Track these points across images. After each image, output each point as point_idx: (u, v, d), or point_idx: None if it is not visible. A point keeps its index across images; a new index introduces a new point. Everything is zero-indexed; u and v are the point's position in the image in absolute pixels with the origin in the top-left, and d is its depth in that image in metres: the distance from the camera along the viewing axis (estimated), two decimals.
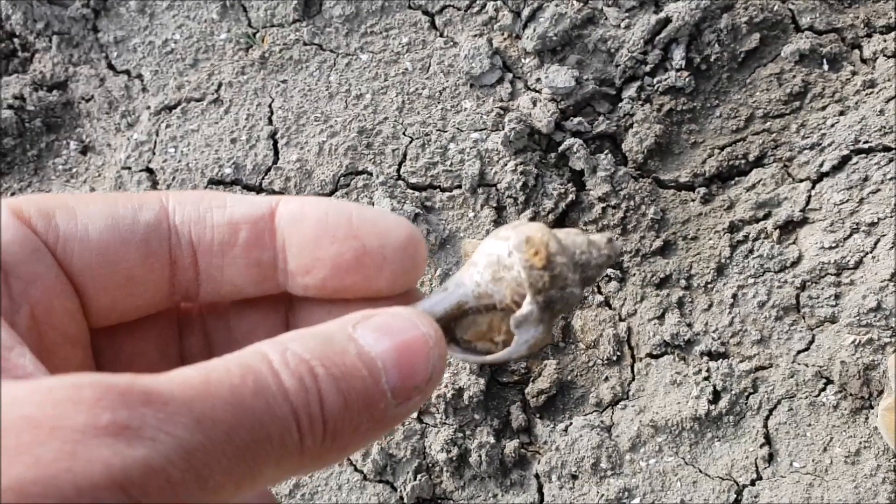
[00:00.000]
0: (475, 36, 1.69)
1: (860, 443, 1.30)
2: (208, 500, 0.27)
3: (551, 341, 0.38)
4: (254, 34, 1.78)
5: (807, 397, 1.35)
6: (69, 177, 1.80)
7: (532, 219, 1.53)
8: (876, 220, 1.41)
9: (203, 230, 0.38)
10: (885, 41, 1.56)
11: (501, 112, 1.61)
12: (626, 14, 1.63)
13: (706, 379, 1.39)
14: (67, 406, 0.25)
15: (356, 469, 1.41)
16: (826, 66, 1.58)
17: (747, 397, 1.37)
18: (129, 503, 0.25)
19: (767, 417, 1.36)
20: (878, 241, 1.40)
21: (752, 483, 1.32)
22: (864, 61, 1.57)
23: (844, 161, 1.49)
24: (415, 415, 1.43)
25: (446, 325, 0.41)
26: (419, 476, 1.39)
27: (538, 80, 1.63)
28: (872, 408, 1.31)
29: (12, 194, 1.80)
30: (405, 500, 1.38)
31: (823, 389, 1.35)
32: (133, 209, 0.37)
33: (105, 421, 0.25)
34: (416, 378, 0.34)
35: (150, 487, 0.25)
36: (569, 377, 1.48)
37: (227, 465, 0.27)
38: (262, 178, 1.63)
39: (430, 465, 1.41)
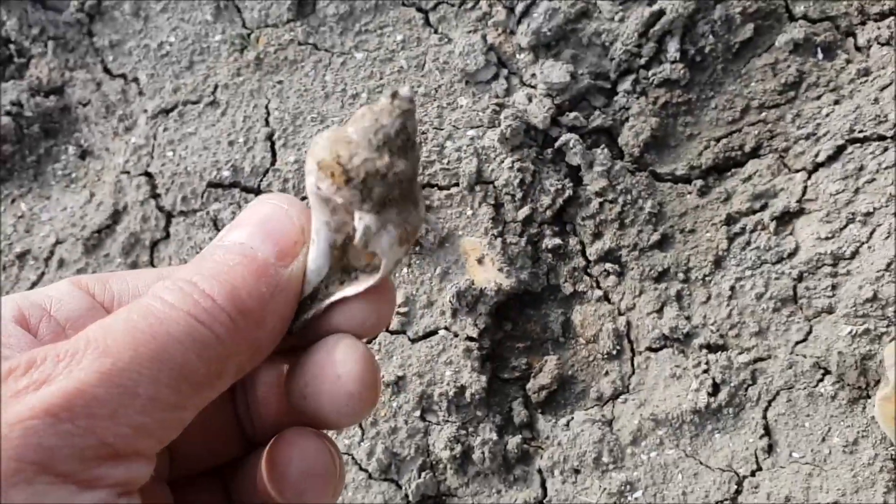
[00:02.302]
0: (469, 32, 1.69)
1: (858, 432, 1.31)
2: (156, 407, 0.32)
3: (422, 220, 0.37)
4: (248, 35, 1.78)
5: (805, 388, 1.37)
6: (69, 182, 1.80)
7: (527, 214, 1.54)
8: (872, 210, 1.42)
9: None
10: (878, 28, 1.55)
11: (497, 108, 1.62)
12: (620, 7, 1.63)
13: (705, 371, 1.40)
14: None
15: (361, 468, 1.43)
16: (821, 55, 1.58)
17: (746, 389, 1.39)
18: (62, 422, 0.30)
19: (766, 409, 1.37)
20: (873, 230, 1.41)
21: (753, 474, 1.34)
22: (858, 49, 1.57)
23: (840, 151, 1.49)
24: (418, 413, 1.44)
25: (343, 266, 0.41)
26: (423, 474, 1.41)
27: (533, 75, 1.63)
28: (870, 398, 1.32)
29: (13, 201, 1.81)
30: (410, 499, 1.40)
31: (821, 380, 1.36)
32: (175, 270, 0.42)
33: (24, 384, 0.30)
34: (288, 238, 0.39)
35: (76, 407, 0.30)
36: (569, 372, 1.49)
37: (149, 373, 0.32)
38: (261, 180, 1.64)
39: (434, 462, 1.42)
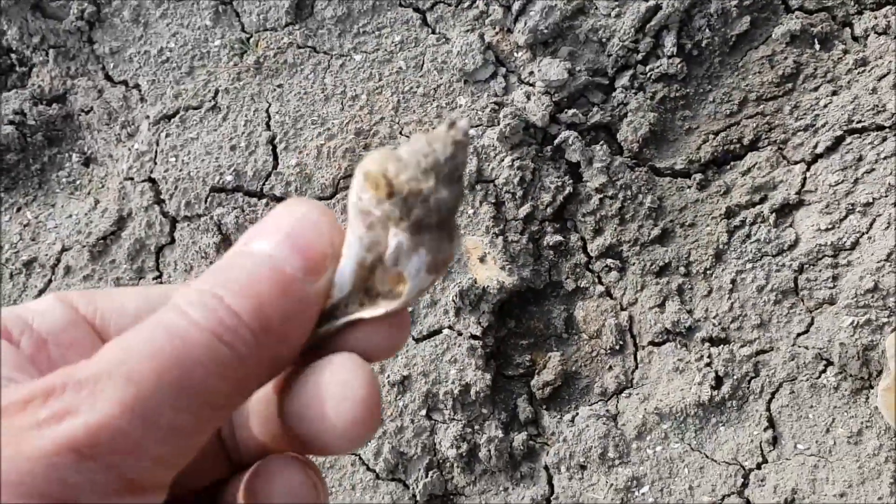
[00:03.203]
0: (467, 31, 1.70)
1: (862, 423, 1.32)
2: (177, 436, 0.31)
3: (454, 254, 0.36)
4: (247, 39, 1.79)
5: (808, 379, 1.37)
6: (73, 189, 1.82)
7: (528, 212, 1.55)
8: (871, 201, 1.42)
9: None
10: (875, 18, 1.56)
11: (496, 107, 1.62)
12: (616, 3, 1.64)
13: (708, 365, 1.41)
14: (11, 412, 0.30)
15: (368, 468, 1.45)
16: (818, 46, 1.58)
17: (749, 382, 1.39)
18: (85, 460, 0.29)
19: (770, 401, 1.38)
20: (873, 221, 1.41)
21: (758, 466, 1.35)
22: (855, 39, 1.58)
23: (838, 142, 1.49)
24: (423, 412, 1.46)
25: (367, 287, 0.40)
26: (430, 473, 1.42)
27: (531, 73, 1.64)
28: (872, 388, 1.33)
29: (18, 210, 1.82)
30: (418, 498, 1.41)
31: (824, 371, 1.37)
32: (164, 292, 0.42)
33: (43, 416, 0.29)
34: (316, 251, 0.37)
35: (100, 442, 0.29)
36: (573, 368, 1.50)
37: (171, 401, 0.31)
38: (263, 184, 1.65)
39: (441, 461, 1.44)
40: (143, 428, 0.30)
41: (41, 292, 1.73)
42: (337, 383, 0.36)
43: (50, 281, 1.73)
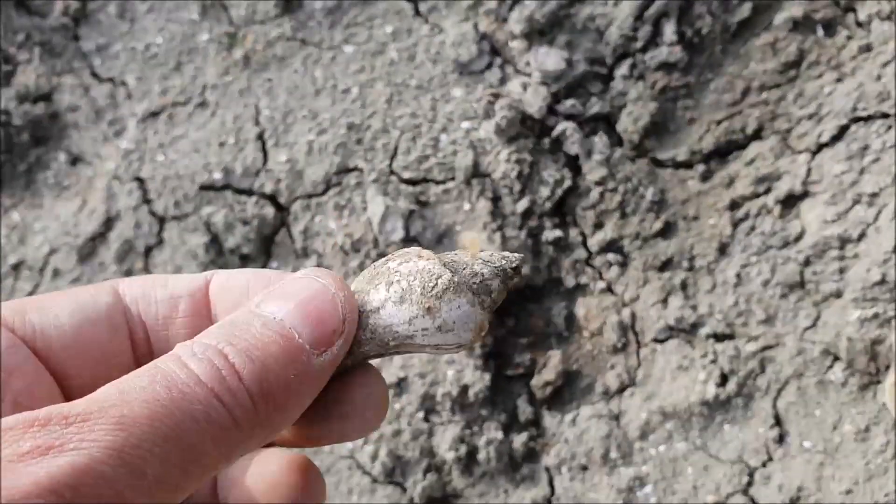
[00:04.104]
0: (461, 21, 1.65)
1: (870, 419, 1.29)
2: (161, 490, 0.30)
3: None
4: (235, 33, 1.74)
5: (815, 376, 1.34)
6: (60, 189, 1.78)
7: (527, 207, 1.51)
8: (877, 191, 1.39)
9: (148, 306, 0.42)
10: (879, 3, 1.51)
11: (492, 99, 1.58)
12: None
13: (713, 362, 1.38)
14: None
15: (365, 472, 1.41)
16: (821, 32, 1.54)
17: (755, 378, 1.36)
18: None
19: (776, 398, 1.35)
20: (880, 211, 1.38)
21: (764, 465, 1.32)
22: (859, 25, 1.53)
23: (843, 130, 1.45)
24: (421, 414, 1.42)
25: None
26: (429, 476, 1.39)
27: (528, 63, 1.60)
28: (880, 383, 1.29)
29: (5, 211, 1.78)
30: (416, 501, 1.38)
31: (831, 367, 1.34)
32: (92, 295, 0.41)
33: (27, 447, 0.28)
34: (328, 325, 0.37)
35: (83, 486, 0.28)
36: (574, 367, 1.46)
37: (160, 452, 0.30)
38: (253, 182, 1.61)
39: (439, 464, 1.40)
40: (129, 477, 0.29)
41: (29, 295, 1.70)
42: (367, 386, 0.41)
43: (38, 284, 1.70)
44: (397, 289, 0.41)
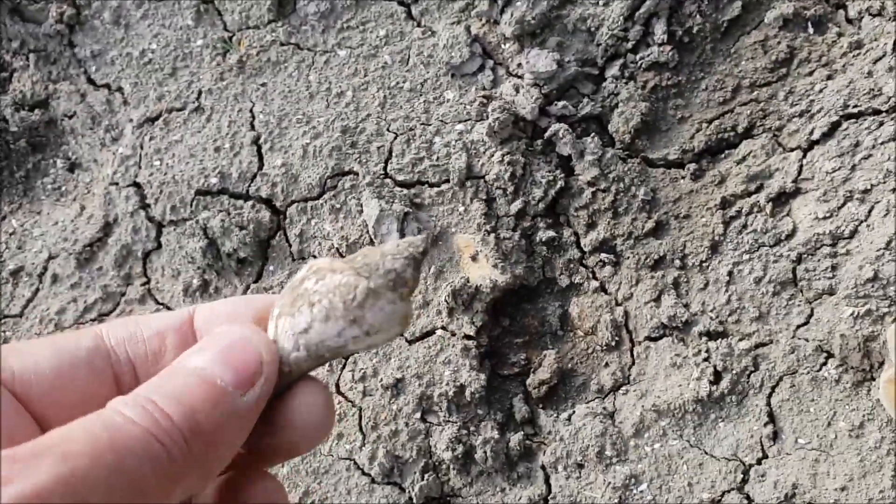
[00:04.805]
0: (453, 24, 1.66)
1: (863, 416, 1.29)
2: None
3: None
4: (230, 38, 1.75)
5: (808, 372, 1.35)
6: (59, 196, 1.79)
7: (520, 208, 1.52)
8: (869, 187, 1.39)
9: (136, 345, 0.44)
10: None
11: (485, 101, 1.59)
12: None
13: (706, 360, 1.38)
14: None
15: (364, 473, 1.42)
16: (811, 30, 1.54)
17: (749, 376, 1.37)
18: None
19: (770, 395, 1.36)
20: (871, 208, 1.38)
21: (759, 462, 1.32)
22: (849, 21, 1.54)
23: (834, 127, 1.46)
24: (418, 414, 1.43)
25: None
26: (426, 476, 1.40)
27: (519, 65, 1.61)
28: (874, 380, 1.30)
29: (3, 218, 1.79)
30: (414, 501, 1.39)
31: (824, 364, 1.34)
32: (74, 339, 0.43)
33: None
34: (248, 369, 0.41)
35: None
36: (569, 365, 1.47)
37: (105, 483, 0.33)
38: (249, 186, 1.62)
39: (437, 463, 1.41)
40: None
41: (28, 301, 1.71)
42: (307, 399, 0.43)
43: (37, 290, 1.71)
44: (320, 308, 0.43)
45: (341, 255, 1.55)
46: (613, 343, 1.45)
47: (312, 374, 0.46)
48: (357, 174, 1.59)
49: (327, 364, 1.50)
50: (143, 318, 0.46)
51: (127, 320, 0.45)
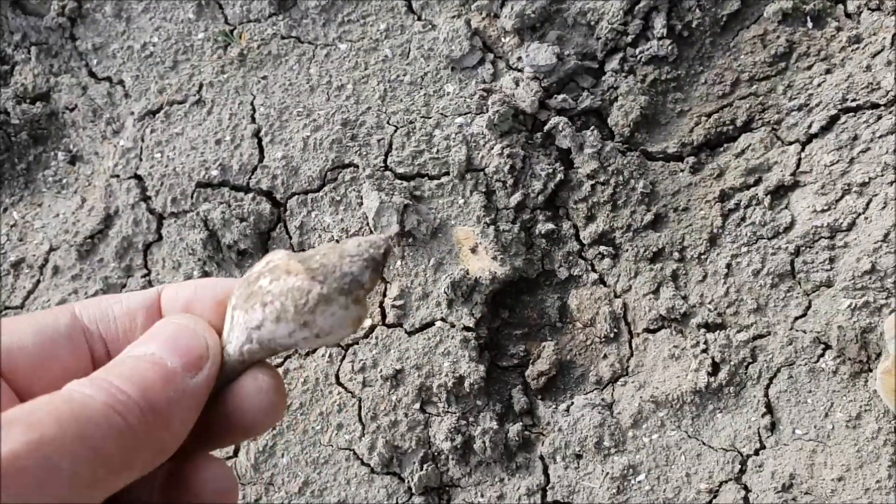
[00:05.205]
0: (453, 17, 1.67)
1: (861, 407, 1.30)
2: (75, 485, 0.34)
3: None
4: (231, 31, 1.76)
5: (806, 364, 1.35)
6: (60, 188, 1.80)
7: (519, 200, 1.52)
8: (867, 180, 1.40)
9: (108, 323, 0.47)
10: None
11: (485, 94, 1.60)
12: None
13: (704, 351, 1.39)
14: None
15: (363, 463, 1.43)
16: (810, 24, 1.55)
17: (746, 367, 1.37)
18: None
19: (768, 386, 1.36)
20: (870, 201, 1.39)
21: (756, 452, 1.33)
22: (848, 16, 1.55)
23: (833, 121, 1.47)
24: (417, 405, 1.44)
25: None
26: (426, 466, 1.40)
27: (519, 58, 1.61)
28: (871, 371, 1.31)
29: (4, 210, 1.80)
30: (413, 491, 1.39)
31: (822, 355, 1.35)
32: (52, 316, 0.45)
33: None
34: (194, 352, 0.43)
35: (8, 477, 0.32)
36: (568, 357, 1.48)
37: (71, 450, 0.34)
38: (249, 178, 1.63)
39: (436, 454, 1.42)
40: (46, 469, 0.33)
41: (29, 293, 1.71)
42: (258, 384, 0.46)
43: (38, 281, 1.71)
44: (272, 309, 0.44)
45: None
46: (612, 335, 1.46)
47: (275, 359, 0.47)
48: (357, 167, 1.59)
49: (326, 355, 1.51)
50: (114, 297, 0.47)
51: (99, 299, 0.47)
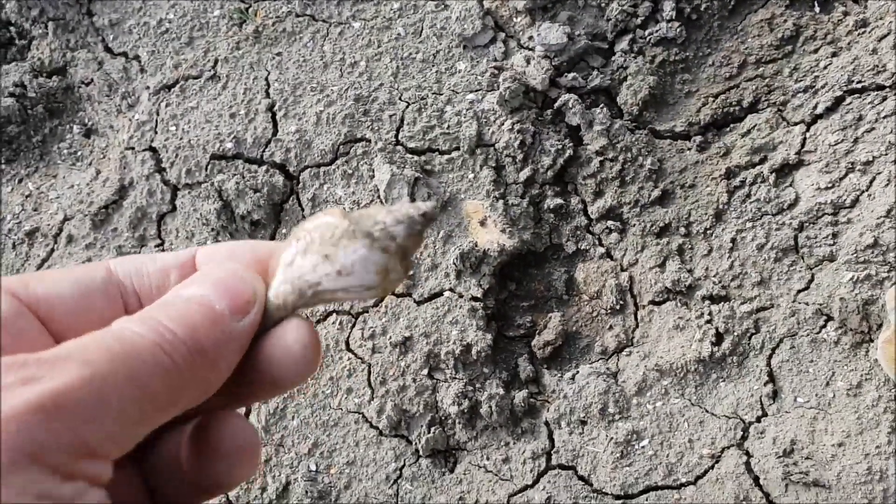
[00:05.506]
0: None
1: (861, 375, 1.32)
2: (123, 420, 0.36)
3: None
4: (247, 9, 1.79)
5: (808, 335, 1.38)
6: (74, 160, 1.82)
7: (529, 175, 1.55)
8: (871, 159, 1.43)
9: (142, 279, 0.48)
10: None
11: (496, 72, 1.63)
12: None
13: (708, 322, 1.42)
14: None
15: (372, 426, 1.45)
16: (817, 8, 1.58)
17: (750, 338, 1.40)
18: (51, 420, 0.34)
19: (770, 356, 1.39)
20: (873, 179, 1.42)
21: (758, 420, 1.35)
22: (855, 1, 1.58)
23: (838, 102, 1.50)
24: (425, 371, 1.46)
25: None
26: (433, 429, 1.42)
27: (530, 38, 1.64)
28: (872, 341, 1.33)
29: (20, 181, 1.83)
30: (421, 453, 1.42)
31: (824, 326, 1.38)
32: (86, 270, 0.47)
33: (9, 381, 0.34)
34: (241, 296, 0.44)
35: (64, 405, 0.34)
36: (574, 328, 1.50)
37: (121, 387, 0.36)
38: (263, 151, 1.65)
39: (443, 418, 1.44)
40: (99, 403, 0.35)
41: (43, 262, 1.74)
42: (293, 335, 0.45)
43: (52, 250, 1.74)
44: (303, 243, 0.46)
45: None
46: (618, 307, 1.48)
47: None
48: (369, 141, 1.62)
49: (337, 323, 1.53)
50: (149, 255, 0.49)
51: (133, 257, 0.49)
